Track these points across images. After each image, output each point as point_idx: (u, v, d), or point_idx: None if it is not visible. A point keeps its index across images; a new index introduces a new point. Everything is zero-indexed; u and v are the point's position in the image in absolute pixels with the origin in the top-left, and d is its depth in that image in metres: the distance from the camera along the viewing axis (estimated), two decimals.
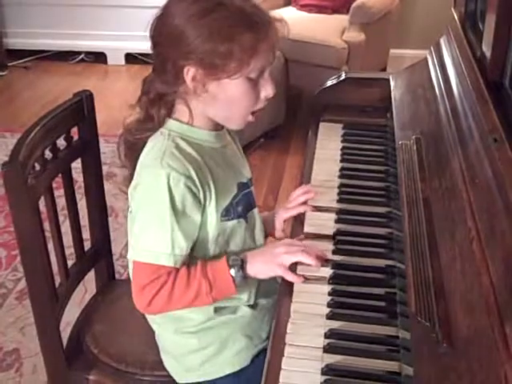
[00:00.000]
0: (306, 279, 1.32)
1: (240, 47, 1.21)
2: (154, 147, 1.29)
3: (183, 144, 1.29)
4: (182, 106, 1.31)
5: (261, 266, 1.32)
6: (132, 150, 1.36)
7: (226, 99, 1.27)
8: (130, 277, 1.38)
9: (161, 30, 1.26)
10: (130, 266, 1.35)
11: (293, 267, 1.33)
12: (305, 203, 1.55)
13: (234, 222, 1.36)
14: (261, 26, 1.23)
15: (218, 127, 1.36)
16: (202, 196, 1.27)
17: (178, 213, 1.24)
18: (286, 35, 1.29)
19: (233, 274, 1.28)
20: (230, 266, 1.28)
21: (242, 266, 1.29)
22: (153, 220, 1.25)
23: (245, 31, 1.21)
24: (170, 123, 1.32)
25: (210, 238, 1.32)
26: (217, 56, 1.21)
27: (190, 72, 1.23)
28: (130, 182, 1.34)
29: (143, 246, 1.26)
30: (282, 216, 1.55)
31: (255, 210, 1.45)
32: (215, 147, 1.35)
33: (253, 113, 1.33)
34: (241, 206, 1.37)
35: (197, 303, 1.29)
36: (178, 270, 1.27)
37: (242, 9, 1.22)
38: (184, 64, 1.23)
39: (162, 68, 1.26)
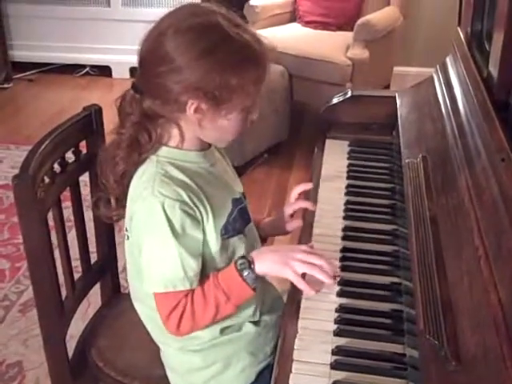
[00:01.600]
0: (317, 292, 1.30)
1: (248, 81, 1.22)
2: (144, 175, 1.29)
3: (172, 170, 1.28)
4: (173, 130, 1.30)
5: (271, 265, 1.30)
6: (123, 179, 1.33)
7: (224, 127, 1.28)
8: (137, 310, 1.42)
9: (162, 61, 1.21)
10: (134, 291, 1.37)
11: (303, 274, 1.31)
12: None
13: (235, 238, 1.36)
14: (261, 58, 1.25)
15: (205, 146, 1.36)
16: (199, 216, 1.27)
17: (179, 236, 1.24)
18: (280, 62, 1.31)
19: (244, 277, 1.27)
20: (240, 270, 1.28)
21: (250, 266, 1.28)
22: (158, 250, 1.26)
23: (250, 64, 1.22)
24: (159, 148, 1.30)
25: (214, 257, 1.32)
26: (225, 90, 1.21)
27: (193, 105, 1.23)
28: (119, 207, 1.36)
29: (157, 276, 1.27)
30: (288, 211, 1.57)
31: (251, 224, 1.45)
32: (205, 167, 1.35)
33: None
34: (238, 222, 1.37)
35: (222, 314, 1.30)
36: (193, 290, 1.27)
37: (245, 42, 1.22)
38: (189, 97, 1.22)
39: (159, 96, 1.24)
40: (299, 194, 1.58)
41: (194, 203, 1.26)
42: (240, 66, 1.21)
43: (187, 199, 1.25)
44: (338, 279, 1.37)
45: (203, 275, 1.31)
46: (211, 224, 1.30)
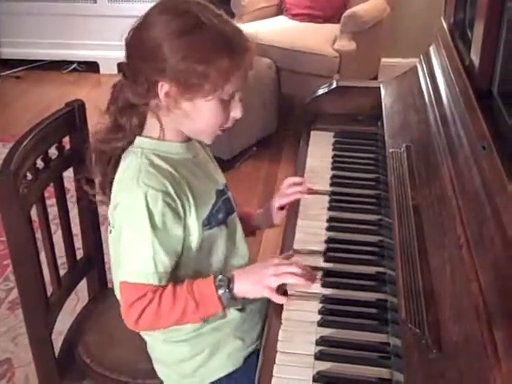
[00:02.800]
0: (291, 298, 1.31)
1: (217, 71, 1.21)
2: (129, 167, 1.29)
3: (157, 160, 1.28)
4: (153, 120, 1.30)
5: (248, 287, 1.31)
6: (101, 159, 1.35)
7: (198, 117, 1.28)
8: (117, 296, 1.39)
9: (138, 41, 1.25)
10: (116, 285, 1.36)
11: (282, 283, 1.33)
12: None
13: (216, 229, 1.36)
14: (238, 52, 1.24)
15: (187, 138, 1.36)
16: (181, 209, 1.27)
17: (158, 230, 1.24)
18: (267, 55, 1.31)
19: (220, 295, 1.28)
20: (217, 287, 1.28)
21: (228, 285, 1.28)
22: (134, 240, 1.26)
23: (223, 56, 1.21)
24: (141, 141, 1.31)
25: (193, 249, 1.32)
26: (193, 76, 1.21)
27: (163, 88, 1.23)
28: (103, 193, 1.36)
29: (128, 266, 1.27)
30: (279, 201, 1.57)
31: (235, 214, 1.45)
32: (188, 158, 1.35)
33: (222, 129, 1.33)
34: (221, 213, 1.37)
35: (185, 321, 1.30)
36: (163, 287, 1.27)
37: (222, 32, 1.23)
38: (158, 79, 1.22)
39: (135, 79, 1.25)
40: (290, 186, 1.58)
41: (178, 195, 1.26)
42: (209, 54, 1.21)
43: (171, 190, 1.25)
44: (318, 280, 1.37)
45: (181, 268, 1.31)
46: (193, 216, 1.30)
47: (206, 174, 1.38)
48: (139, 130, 1.32)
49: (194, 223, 1.30)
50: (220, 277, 1.29)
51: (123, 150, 1.34)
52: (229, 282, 1.29)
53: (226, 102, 1.27)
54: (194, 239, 1.31)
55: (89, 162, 1.37)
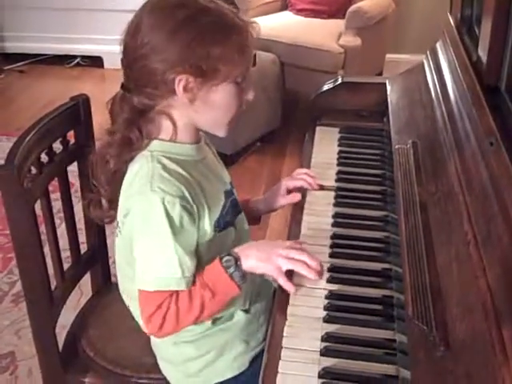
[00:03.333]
0: (298, 288, 1.30)
1: (231, 49, 1.20)
2: (139, 172, 1.25)
3: (169, 163, 1.25)
4: (165, 121, 1.27)
5: (256, 263, 1.27)
6: (114, 178, 1.31)
7: (216, 105, 1.26)
8: (127, 303, 1.41)
9: (141, 45, 1.20)
10: (123, 287, 1.37)
11: (289, 271, 1.30)
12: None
13: (225, 231, 1.35)
14: (243, 28, 1.24)
15: (197, 139, 1.34)
16: (196, 213, 1.25)
17: (178, 234, 1.21)
18: (257, 36, 1.29)
19: (231, 274, 1.25)
20: (226, 268, 1.25)
21: (236, 264, 1.25)
22: (156, 247, 1.22)
23: (232, 34, 1.21)
24: (151, 143, 1.28)
25: (204, 251, 1.30)
26: (208, 61, 1.19)
27: (181, 82, 1.20)
28: (111, 208, 1.34)
29: (151, 274, 1.23)
30: (287, 184, 1.57)
31: (242, 215, 1.44)
32: (198, 159, 1.33)
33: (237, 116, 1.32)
34: (229, 215, 1.36)
35: (206, 313, 1.27)
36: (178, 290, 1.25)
37: (224, 13, 1.23)
38: (175, 75, 1.20)
39: (146, 82, 1.22)
40: (302, 173, 1.60)
41: (193, 199, 1.24)
42: (221, 35, 1.20)
43: (187, 194, 1.23)
44: (325, 273, 1.35)
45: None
46: (207, 218, 1.28)
47: (215, 176, 1.37)
48: (150, 135, 1.29)
49: (206, 226, 1.28)
50: (226, 258, 1.26)
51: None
52: (236, 260, 1.26)
53: (239, 85, 1.26)
54: (206, 242, 1.29)
55: (96, 183, 1.34)
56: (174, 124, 1.27)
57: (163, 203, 1.19)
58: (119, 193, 1.31)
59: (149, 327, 1.27)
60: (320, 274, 1.30)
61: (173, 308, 1.23)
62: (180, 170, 1.25)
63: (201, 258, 1.30)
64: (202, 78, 1.21)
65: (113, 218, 1.37)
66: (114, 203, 1.34)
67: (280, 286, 1.29)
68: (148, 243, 1.23)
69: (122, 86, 1.28)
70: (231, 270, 1.25)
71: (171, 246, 1.21)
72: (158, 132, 1.29)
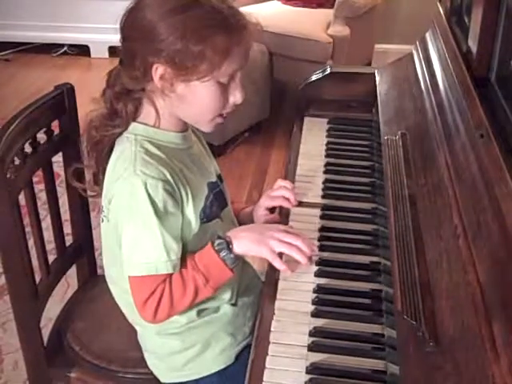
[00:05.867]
0: (292, 271, 1.30)
1: (212, 49, 1.17)
2: (122, 155, 1.25)
3: (152, 148, 1.25)
4: (149, 107, 1.27)
5: (249, 245, 1.27)
6: (97, 148, 1.31)
7: (194, 102, 1.24)
8: (112, 290, 1.40)
9: (132, 23, 1.21)
10: (109, 275, 1.36)
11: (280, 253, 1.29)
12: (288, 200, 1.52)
13: (213, 222, 1.34)
14: (235, 28, 1.20)
15: (184, 128, 1.33)
16: (179, 197, 1.24)
17: (162, 217, 1.21)
18: (257, 40, 1.26)
19: (223, 257, 1.24)
20: (217, 251, 1.25)
21: (228, 247, 1.25)
22: (141, 232, 1.22)
23: (218, 33, 1.17)
24: (136, 127, 1.28)
25: (193, 241, 1.30)
26: (188, 56, 1.17)
27: (158, 70, 1.19)
28: (96, 183, 1.33)
29: (138, 259, 1.23)
30: (265, 204, 1.53)
31: (229, 208, 1.42)
32: (182, 148, 1.32)
33: (221, 115, 1.29)
34: (215, 206, 1.35)
35: (200, 297, 1.27)
36: (171, 275, 1.24)
37: (218, 9, 1.19)
38: (153, 61, 1.19)
39: (130, 63, 1.22)
40: (280, 188, 1.53)
41: (176, 183, 1.24)
42: (205, 32, 1.17)
43: (170, 178, 1.22)
44: (316, 259, 1.35)
45: (181, 259, 1.27)
46: (191, 207, 1.27)
47: (198, 166, 1.35)
48: (135, 116, 1.28)
49: (191, 214, 1.27)
50: (217, 241, 1.26)
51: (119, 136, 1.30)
52: (228, 244, 1.25)
53: (224, 85, 1.23)
54: (193, 231, 1.29)
55: (83, 152, 1.34)
56: (157, 111, 1.27)
57: (146, 187, 1.19)
58: (103, 168, 1.31)
59: (144, 313, 1.27)
60: (311, 259, 1.31)
61: (167, 294, 1.23)
62: (163, 156, 1.25)
63: (190, 249, 1.29)
64: (180, 72, 1.19)
65: (97, 194, 1.36)
66: (96, 177, 1.33)
67: (268, 280, 1.28)
68: (133, 228, 1.23)
69: (120, 61, 1.28)
70: (223, 253, 1.25)
71: (156, 229, 1.20)
72: (142, 115, 1.28)
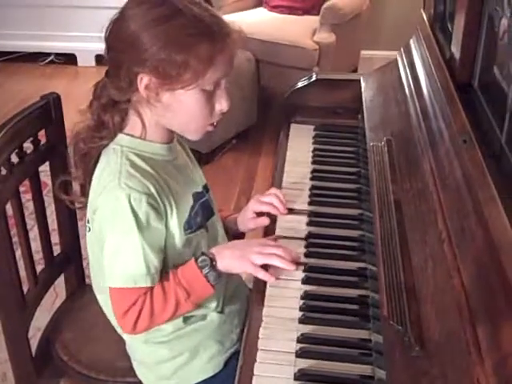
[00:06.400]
0: (277, 279, 1.32)
1: (196, 58, 1.17)
2: (108, 167, 1.25)
3: (137, 160, 1.25)
4: (135, 118, 1.27)
5: (232, 262, 1.30)
6: (84, 160, 1.31)
7: (180, 110, 1.24)
8: (97, 296, 1.40)
9: (116, 33, 1.22)
10: (97, 286, 1.36)
11: (265, 265, 1.31)
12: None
13: (197, 233, 1.34)
14: (219, 36, 1.20)
15: (169, 139, 1.33)
16: (163, 210, 1.25)
17: (144, 230, 1.21)
18: (244, 47, 1.27)
19: (206, 274, 1.26)
20: (201, 268, 1.26)
21: (212, 264, 1.27)
22: (122, 244, 1.22)
23: (202, 41, 1.18)
24: (122, 138, 1.28)
25: (177, 253, 1.30)
26: (172, 65, 1.17)
27: (143, 80, 1.19)
28: (83, 194, 1.33)
29: (118, 271, 1.24)
30: (254, 207, 1.53)
31: (215, 218, 1.43)
32: (168, 160, 1.32)
33: (211, 124, 1.30)
34: (199, 217, 1.35)
35: (180, 312, 1.28)
36: (152, 288, 1.25)
37: (200, 18, 1.19)
38: (138, 71, 1.19)
39: (116, 73, 1.22)
40: (271, 195, 1.54)
41: (161, 197, 1.24)
42: (189, 41, 1.17)
43: (154, 192, 1.22)
44: (302, 266, 1.36)
45: (165, 271, 1.28)
46: (175, 219, 1.28)
47: (184, 178, 1.35)
48: (122, 127, 1.28)
49: (175, 226, 1.28)
50: (201, 258, 1.27)
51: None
52: (211, 260, 1.27)
53: (209, 93, 1.23)
54: (177, 243, 1.29)
55: (70, 162, 1.34)
56: (143, 121, 1.27)
57: (129, 200, 1.19)
58: (89, 179, 1.31)
59: (123, 324, 1.28)
60: (295, 263, 1.33)
61: (147, 307, 1.24)
62: (147, 168, 1.25)
63: (173, 261, 1.30)
64: (165, 81, 1.19)
65: (84, 205, 1.36)
66: (84, 189, 1.33)
67: (255, 287, 1.29)
68: (115, 240, 1.23)
69: (106, 73, 1.28)
70: (206, 270, 1.27)
71: (137, 242, 1.21)
72: (129, 127, 1.29)
